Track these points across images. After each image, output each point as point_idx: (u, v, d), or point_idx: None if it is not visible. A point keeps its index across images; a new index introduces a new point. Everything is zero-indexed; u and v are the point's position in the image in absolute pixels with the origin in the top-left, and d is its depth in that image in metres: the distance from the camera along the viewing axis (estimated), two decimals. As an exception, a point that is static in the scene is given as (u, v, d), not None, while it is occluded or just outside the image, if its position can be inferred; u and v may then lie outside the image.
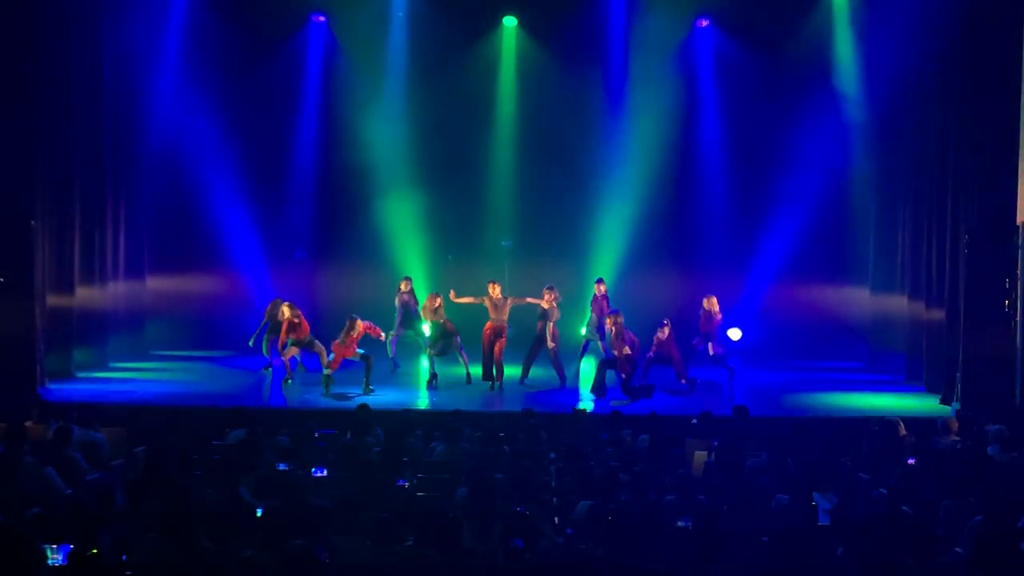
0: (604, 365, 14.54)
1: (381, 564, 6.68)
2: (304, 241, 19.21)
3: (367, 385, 14.27)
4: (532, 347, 15.44)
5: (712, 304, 15.80)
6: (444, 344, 15.31)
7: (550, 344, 15.11)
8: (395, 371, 16.07)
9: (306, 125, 19.19)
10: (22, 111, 14.08)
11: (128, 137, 17.28)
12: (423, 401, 14.25)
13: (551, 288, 15.23)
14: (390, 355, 16.16)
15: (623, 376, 14.23)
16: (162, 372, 16.29)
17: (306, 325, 14.82)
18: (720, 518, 7.63)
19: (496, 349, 14.99)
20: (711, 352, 15.84)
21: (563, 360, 15.43)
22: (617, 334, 14.33)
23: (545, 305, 15.13)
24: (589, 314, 16.20)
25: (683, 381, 15.05)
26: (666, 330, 14.94)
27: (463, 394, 14.65)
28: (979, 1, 13.87)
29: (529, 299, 15.36)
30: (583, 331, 16.36)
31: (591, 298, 16.16)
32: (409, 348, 16.78)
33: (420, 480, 9.46)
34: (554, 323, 15.17)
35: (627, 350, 14.23)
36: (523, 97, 19.18)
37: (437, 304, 15.29)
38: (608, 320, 14.65)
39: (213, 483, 8.62)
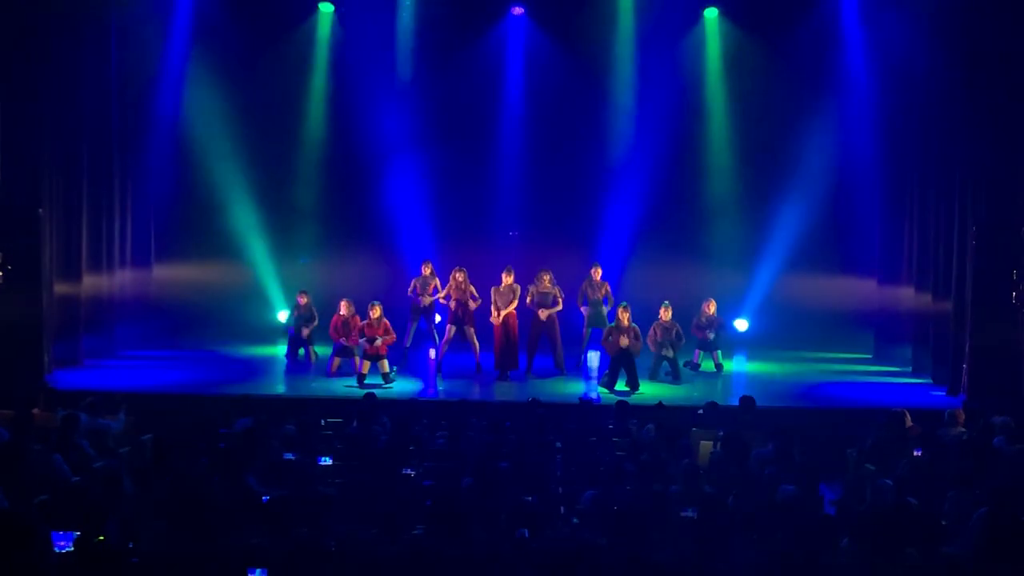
0: (618, 361, 14.42)
1: (387, 553, 6.70)
2: (307, 231, 19.18)
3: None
4: (532, 336, 15.45)
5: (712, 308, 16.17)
6: (459, 330, 15.33)
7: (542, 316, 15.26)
8: (405, 359, 16.08)
9: (313, 114, 19.19)
10: (30, 99, 14.09)
11: (135, 125, 17.28)
12: (430, 388, 14.30)
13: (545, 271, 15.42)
14: (407, 345, 16.21)
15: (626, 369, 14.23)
16: (169, 360, 16.32)
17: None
18: (726, 508, 7.64)
19: (511, 337, 14.99)
20: (716, 362, 16.00)
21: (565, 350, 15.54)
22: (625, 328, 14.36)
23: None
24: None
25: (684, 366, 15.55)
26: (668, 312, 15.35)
27: (469, 383, 14.67)
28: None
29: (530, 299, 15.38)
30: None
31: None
32: (418, 336, 16.77)
33: (426, 469, 9.48)
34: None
35: (625, 341, 14.24)
36: (530, 87, 19.15)
37: (460, 279, 15.20)
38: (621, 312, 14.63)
39: (220, 471, 8.65)
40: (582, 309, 16.03)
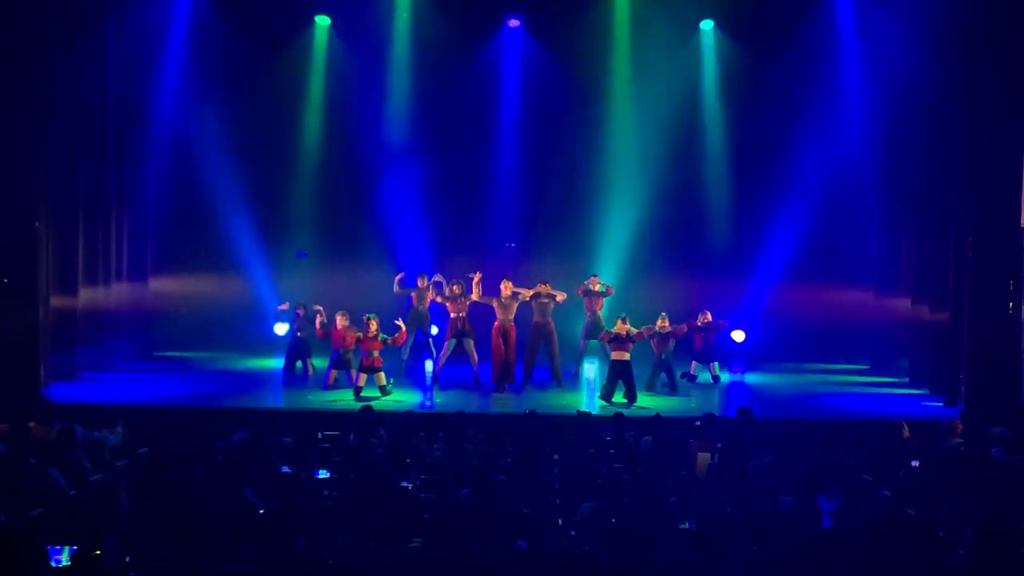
0: (616, 373, 14.37)
1: (384, 565, 6.68)
2: (305, 242, 19.20)
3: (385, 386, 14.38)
4: (530, 348, 15.43)
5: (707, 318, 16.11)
6: (459, 343, 15.25)
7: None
8: (403, 372, 16.05)
9: (309, 127, 19.22)
10: (27, 113, 14.08)
11: (132, 139, 17.29)
12: (427, 401, 14.27)
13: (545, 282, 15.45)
14: (404, 357, 16.18)
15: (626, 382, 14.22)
16: (166, 373, 16.30)
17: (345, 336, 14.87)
18: (723, 520, 7.63)
19: (509, 350, 14.96)
20: (714, 374, 15.97)
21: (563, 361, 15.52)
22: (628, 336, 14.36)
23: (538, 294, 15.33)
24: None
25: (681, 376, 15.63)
26: (666, 322, 15.21)
27: (467, 395, 14.65)
28: (984, 2, 13.84)
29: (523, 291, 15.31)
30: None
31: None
32: (415, 348, 16.73)
33: (423, 481, 9.47)
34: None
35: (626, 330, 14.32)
36: (527, 98, 19.19)
37: (456, 291, 15.18)
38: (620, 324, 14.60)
39: (217, 484, 8.63)
40: (579, 292, 16.07)
